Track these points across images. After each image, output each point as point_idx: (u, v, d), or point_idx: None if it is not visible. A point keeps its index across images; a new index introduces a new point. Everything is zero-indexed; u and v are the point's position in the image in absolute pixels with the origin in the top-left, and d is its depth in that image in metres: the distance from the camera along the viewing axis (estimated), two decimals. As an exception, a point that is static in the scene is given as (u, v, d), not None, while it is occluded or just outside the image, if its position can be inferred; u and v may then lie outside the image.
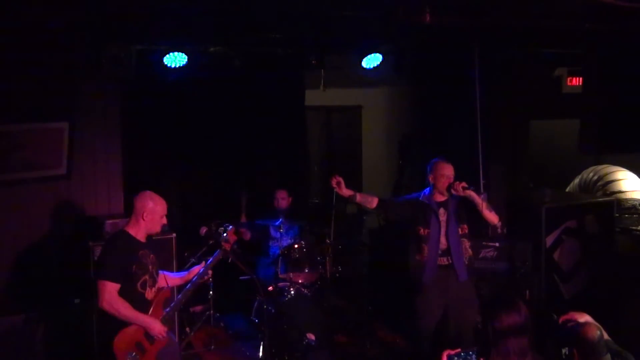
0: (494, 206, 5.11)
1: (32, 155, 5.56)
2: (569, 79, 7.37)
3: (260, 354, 5.72)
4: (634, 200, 7.14)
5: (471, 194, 4.95)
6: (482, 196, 5.04)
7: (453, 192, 4.99)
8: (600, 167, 7.73)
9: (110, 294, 4.04)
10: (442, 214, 5.12)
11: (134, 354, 4.10)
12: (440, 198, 5.15)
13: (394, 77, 7.19)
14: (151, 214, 4.24)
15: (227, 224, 4.76)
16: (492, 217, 5.05)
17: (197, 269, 4.57)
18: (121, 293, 4.09)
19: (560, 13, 5.24)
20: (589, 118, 6.24)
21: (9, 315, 5.04)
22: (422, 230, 5.12)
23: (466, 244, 5.15)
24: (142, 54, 5.78)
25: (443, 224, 5.09)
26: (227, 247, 4.61)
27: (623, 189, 7.38)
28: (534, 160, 7.27)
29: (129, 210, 4.35)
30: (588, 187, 7.61)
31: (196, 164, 7.09)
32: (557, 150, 8.16)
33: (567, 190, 7.87)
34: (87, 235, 5.54)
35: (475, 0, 5.09)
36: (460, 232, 5.11)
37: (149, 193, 4.32)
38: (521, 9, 5.21)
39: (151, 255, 4.30)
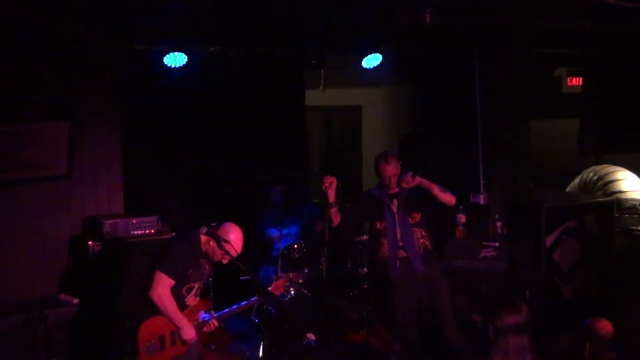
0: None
1: (32, 155, 5.55)
2: (569, 79, 7.37)
3: (260, 354, 5.71)
4: (634, 200, 7.13)
5: (422, 181, 4.93)
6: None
7: (404, 185, 4.98)
8: (600, 167, 7.72)
9: (163, 287, 4.10)
10: (394, 205, 5.12)
11: (153, 343, 4.12)
12: (392, 190, 5.15)
13: (394, 77, 7.19)
14: (216, 247, 4.20)
15: (281, 274, 4.75)
16: (447, 198, 4.98)
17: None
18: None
19: (560, 13, 5.26)
20: (589, 118, 6.24)
21: (9, 315, 5.03)
22: (378, 225, 5.14)
23: (418, 233, 5.10)
24: (142, 54, 5.78)
25: (396, 215, 5.10)
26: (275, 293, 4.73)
27: (623, 189, 7.37)
28: (534, 160, 7.25)
29: (129, 210, 4.33)
30: (588, 187, 7.61)
31: (196, 163, 7.08)
32: (557, 150, 8.16)
33: (567, 190, 7.86)
34: (87, 235, 5.54)
35: (475, 0, 5.10)
36: (410, 222, 5.08)
37: (238, 232, 4.26)
38: (521, 9, 5.22)
39: (207, 266, 4.35)
